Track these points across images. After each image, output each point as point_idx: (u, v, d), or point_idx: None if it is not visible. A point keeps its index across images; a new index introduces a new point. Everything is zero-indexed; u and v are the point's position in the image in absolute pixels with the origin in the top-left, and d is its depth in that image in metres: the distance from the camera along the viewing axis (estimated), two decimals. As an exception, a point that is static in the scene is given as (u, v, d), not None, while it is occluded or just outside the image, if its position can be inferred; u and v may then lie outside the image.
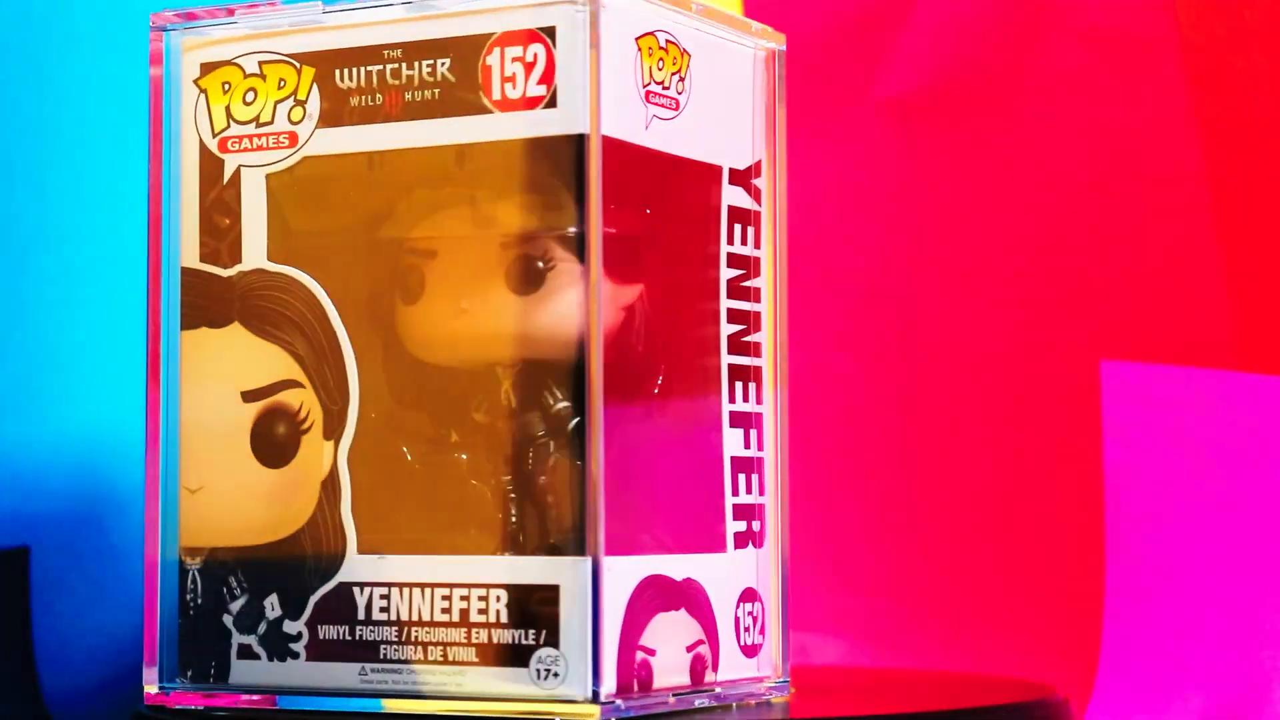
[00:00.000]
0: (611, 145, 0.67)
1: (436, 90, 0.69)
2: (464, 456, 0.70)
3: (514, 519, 0.68)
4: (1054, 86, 0.96)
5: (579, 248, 0.67)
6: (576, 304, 0.66)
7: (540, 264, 0.67)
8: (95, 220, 1.03)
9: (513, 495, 0.68)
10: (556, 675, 0.67)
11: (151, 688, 0.71)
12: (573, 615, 0.67)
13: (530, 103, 0.68)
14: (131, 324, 0.99)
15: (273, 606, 0.70)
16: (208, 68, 0.72)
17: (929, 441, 1.00)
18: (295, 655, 0.70)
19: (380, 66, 0.70)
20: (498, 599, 0.68)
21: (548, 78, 0.68)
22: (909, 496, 1.01)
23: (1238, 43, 0.94)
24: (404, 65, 0.69)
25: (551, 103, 0.68)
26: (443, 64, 0.69)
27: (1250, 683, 0.90)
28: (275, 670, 0.70)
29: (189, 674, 0.71)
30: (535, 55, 0.68)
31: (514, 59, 0.68)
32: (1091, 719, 0.91)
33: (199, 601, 0.71)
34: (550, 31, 0.68)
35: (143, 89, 0.73)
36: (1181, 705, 0.91)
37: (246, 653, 0.71)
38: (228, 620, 0.71)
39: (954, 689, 0.82)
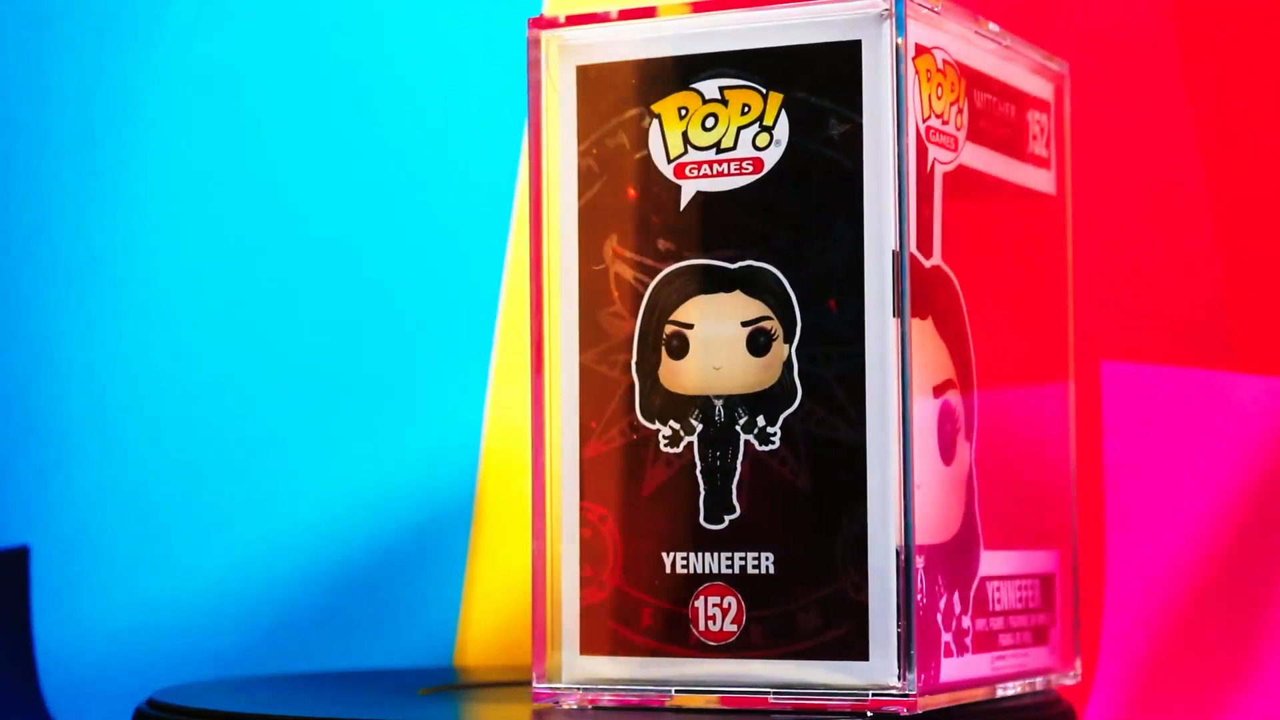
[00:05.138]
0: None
1: (1009, 130, 0.78)
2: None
3: (1018, 515, 0.79)
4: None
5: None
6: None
7: None
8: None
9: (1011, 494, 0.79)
10: (1057, 651, 0.81)
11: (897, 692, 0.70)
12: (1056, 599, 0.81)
13: (1042, 161, 0.81)
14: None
15: (955, 603, 0.72)
16: (919, 49, 0.71)
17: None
18: (967, 649, 0.73)
19: (990, 96, 0.77)
20: (1035, 586, 0.79)
21: (1048, 143, 0.81)
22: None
23: (1238, 43, 0.95)
24: (998, 100, 0.77)
25: (1046, 164, 0.81)
26: (1011, 109, 0.79)
27: (1249, 682, 0.91)
28: (961, 665, 0.73)
29: (923, 679, 0.70)
30: (1044, 122, 0.81)
31: (1036, 120, 0.80)
32: (1091, 719, 0.92)
33: (924, 601, 0.70)
34: (1048, 105, 0.82)
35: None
36: (1181, 705, 0.92)
37: (948, 650, 0.72)
38: (938, 618, 0.71)
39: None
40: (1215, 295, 0.94)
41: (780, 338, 0.71)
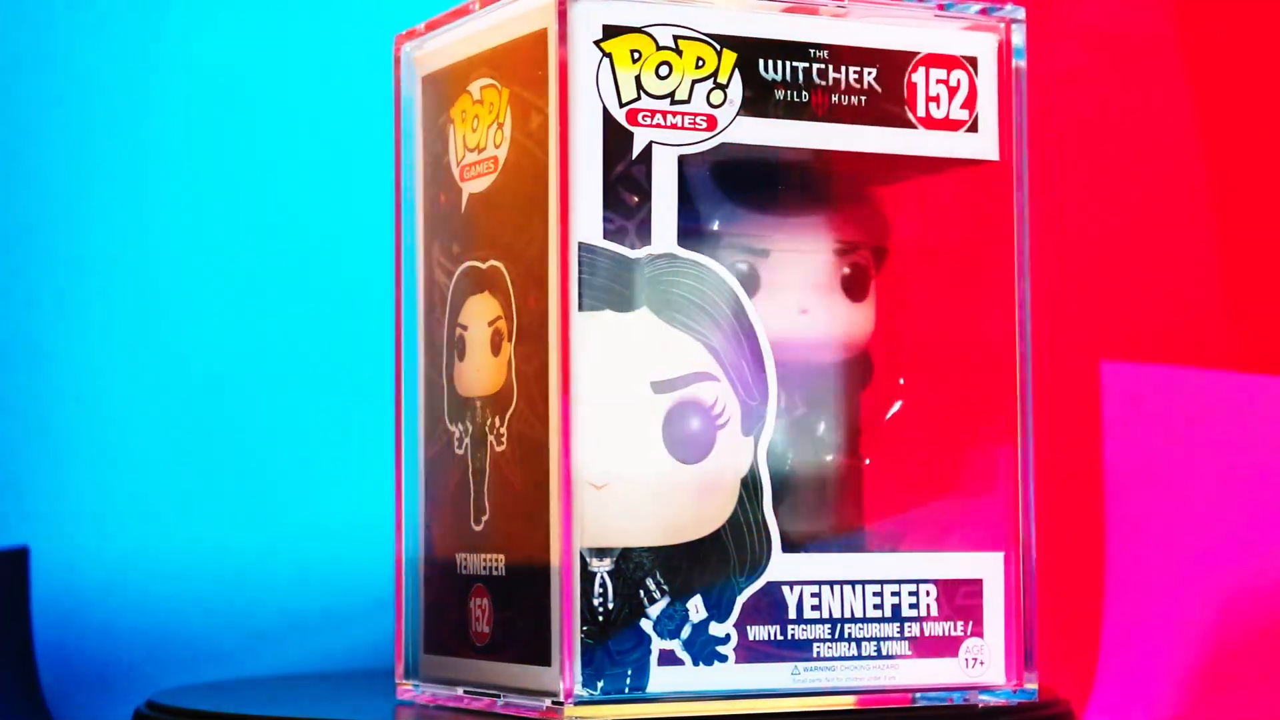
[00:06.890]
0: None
1: (863, 98, 0.72)
2: (867, 461, 0.74)
3: (935, 515, 0.73)
4: (1054, 86, 0.94)
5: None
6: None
7: None
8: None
9: (930, 493, 0.73)
10: (982, 664, 0.73)
11: (558, 699, 0.67)
12: (995, 607, 0.73)
13: (953, 125, 0.73)
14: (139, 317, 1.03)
15: (697, 609, 0.68)
16: (611, 30, 0.68)
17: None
18: (723, 658, 0.69)
19: (806, 64, 0.70)
20: (927, 593, 0.72)
21: (970, 103, 0.73)
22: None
23: (1238, 43, 0.93)
24: (830, 67, 0.71)
25: (973, 128, 0.73)
26: (869, 72, 0.72)
27: (1250, 683, 0.88)
28: (702, 675, 0.68)
29: (600, 685, 0.67)
30: (959, 80, 0.73)
31: (938, 80, 0.73)
32: (1091, 719, 0.89)
33: (609, 606, 0.67)
34: (973, 61, 0.73)
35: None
36: (1181, 705, 0.88)
37: (669, 659, 0.68)
38: (646, 625, 0.68)
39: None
40: (1215, 295, 0.91)
41: (507, 337, 0.70)
